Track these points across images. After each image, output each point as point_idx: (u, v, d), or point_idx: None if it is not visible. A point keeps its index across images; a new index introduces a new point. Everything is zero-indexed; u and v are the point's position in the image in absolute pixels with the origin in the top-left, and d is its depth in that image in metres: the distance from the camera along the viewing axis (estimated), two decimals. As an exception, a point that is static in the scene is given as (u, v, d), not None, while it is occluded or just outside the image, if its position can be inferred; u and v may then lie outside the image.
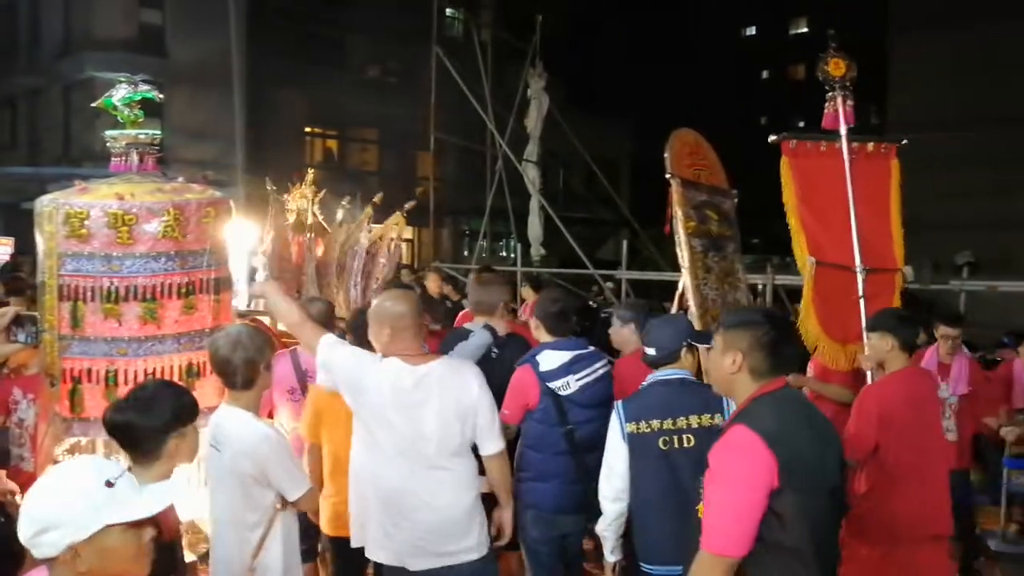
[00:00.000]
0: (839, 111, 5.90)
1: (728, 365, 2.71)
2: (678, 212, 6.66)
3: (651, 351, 3.70)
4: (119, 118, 4.40)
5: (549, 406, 4.02)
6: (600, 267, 14.44)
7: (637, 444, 3.54)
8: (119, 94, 4.39)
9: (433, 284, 9.18)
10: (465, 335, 4.50)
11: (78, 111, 21.69)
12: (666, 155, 6.79)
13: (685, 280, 6.67)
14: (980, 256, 16.73)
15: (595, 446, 3.90)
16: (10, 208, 17.85)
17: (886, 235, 6.01)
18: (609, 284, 13.25)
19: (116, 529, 1.96)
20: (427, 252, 22.20)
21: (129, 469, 2.27)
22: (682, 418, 3.54)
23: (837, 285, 5.62)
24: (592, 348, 4.34)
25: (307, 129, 26.81)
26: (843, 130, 5.85)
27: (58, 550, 1.93)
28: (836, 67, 5.93)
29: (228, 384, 3.37)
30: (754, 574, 2.55)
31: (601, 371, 4.20)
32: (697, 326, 6.02)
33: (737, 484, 2.52)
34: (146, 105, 4.49)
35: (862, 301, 5.41)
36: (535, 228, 15.47)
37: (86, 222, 4.05)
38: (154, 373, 4.02)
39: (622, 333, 5.15)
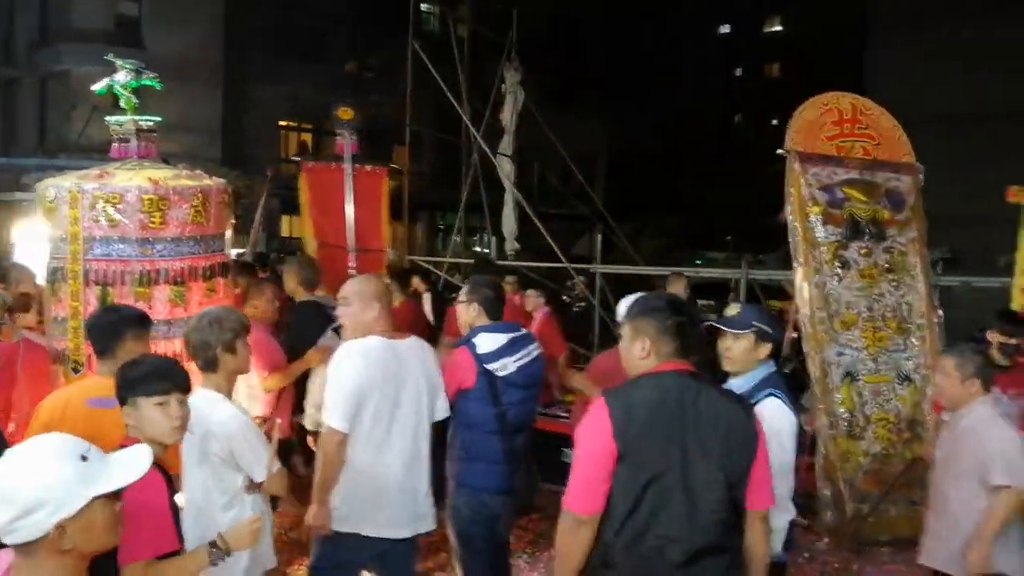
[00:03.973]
0: (347, 144, 8.62)
1: (638, 351, 2.83)
2: (792, 194, 6.21)
3: None
4: (122, 103, 4.46)
5: (485, 386, 4.14)
6: (575, 262, 14.55)
7: None
8: (121, 78, 4.45)
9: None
10: None
11: (54, 102, 21.54)
12: (789, 126, 6.34)
13: (797, 277, 6.22)
14: (958, 252, 16.96)
15: (522, 427, 4.20)
16: (-19, 198, 17.68)
17: (377, 227, 8.75)
18: (583, 278, 13.36)
19: (99, 502, 1.99)
20: (402, 246, 22.21)
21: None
22: None
23: (336, 260, 8.05)
24: (525, 331, 4.49)
25: (282, 122, 26.75)
26: (347, 156, 8.59)
27: (43, 531, 1.92)
28: (345, 113, 8.61)
29: (196, 366, 3.45)
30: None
31: (535, 353, 4.35)
32: (807, 332, 6.09)
33: (582, 446, 2.73)
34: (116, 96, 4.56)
35: (352, 271, 7.64)
36: (510, 222, 15.52)
37: (119, 206, 4.11)
38: (181, 355, 4.11)
39: None
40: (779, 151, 6.11)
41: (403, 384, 3.79)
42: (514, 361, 4.22)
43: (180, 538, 2.74)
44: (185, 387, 2.86)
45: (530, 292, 8.15)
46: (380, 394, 3.71)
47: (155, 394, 2.75)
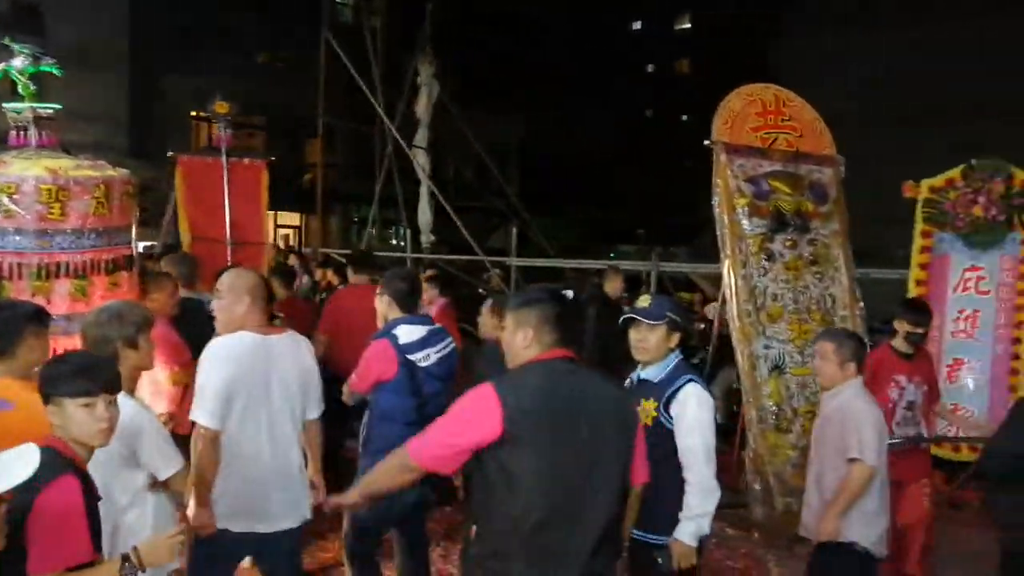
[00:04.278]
0: (222, 136, 8.43)
1: (521, 341, 2.88)
2: (719, 185, 6.12)
3: None
4: (20, 90, 4.32)
5: (405, 377, 4.18)
6: (491, 255, 14.62)
7: None
8: (18, 64, 4.31)
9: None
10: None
11: (-53, 88, 20.64)
12: (715, 117, 6.23)
13: (724, 270, 6.12)
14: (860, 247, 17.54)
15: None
16: None
17: (256, 221, 8.65)
18: (498, 271, 13.45)
19: None
20: (315, 239, 21.98)
21: None
22: None
23: (214, 253, 7.82)
24: (439, 325, 4.55)
25: (193, 113, 26.13)
26: (223, 149, 8.36)
27: None
28: (221, 107, 8.46)
29: None
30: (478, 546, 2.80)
31: (451, 346, 4.42)
32: (735, 326, 6.03)
33: (458, 416, 2.77)
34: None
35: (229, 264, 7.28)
36: (425, 215, 15.53)
37: (15, 196, 3.96)
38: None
39: None
40: (706, 142, 6.04)
41: (272, 380, 3.72)
42: (435, 353, 4.28)
43: (98, 547, 2.60)
44: (113, 387, 2.69)
45: (425, 284, 8.08)
46: (248, 390, 3.63)
47: (80, 395, 2.59)
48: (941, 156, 6.30)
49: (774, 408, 6.10)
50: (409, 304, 4.39)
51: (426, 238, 15.68)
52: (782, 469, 5.99)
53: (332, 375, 4.95)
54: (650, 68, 46.71)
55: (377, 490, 3.00)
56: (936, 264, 7.13)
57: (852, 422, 4.09)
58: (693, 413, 3.58)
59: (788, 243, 6.24)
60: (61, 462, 2.51)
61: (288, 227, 28.13)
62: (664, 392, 3.63)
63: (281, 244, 23.66)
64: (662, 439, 3.60)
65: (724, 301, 6.26)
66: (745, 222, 6.07)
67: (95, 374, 2.65)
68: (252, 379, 3.66)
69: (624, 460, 2.89)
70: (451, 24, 22.12)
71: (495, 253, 15.36)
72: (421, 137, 15.75)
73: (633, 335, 3.74)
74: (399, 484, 2.89)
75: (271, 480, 3.73)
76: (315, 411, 3.97)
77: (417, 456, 2.79)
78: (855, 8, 25.04)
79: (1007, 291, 6.97)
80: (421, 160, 15.51)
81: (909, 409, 5.21)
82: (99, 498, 2.66)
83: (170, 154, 8.52)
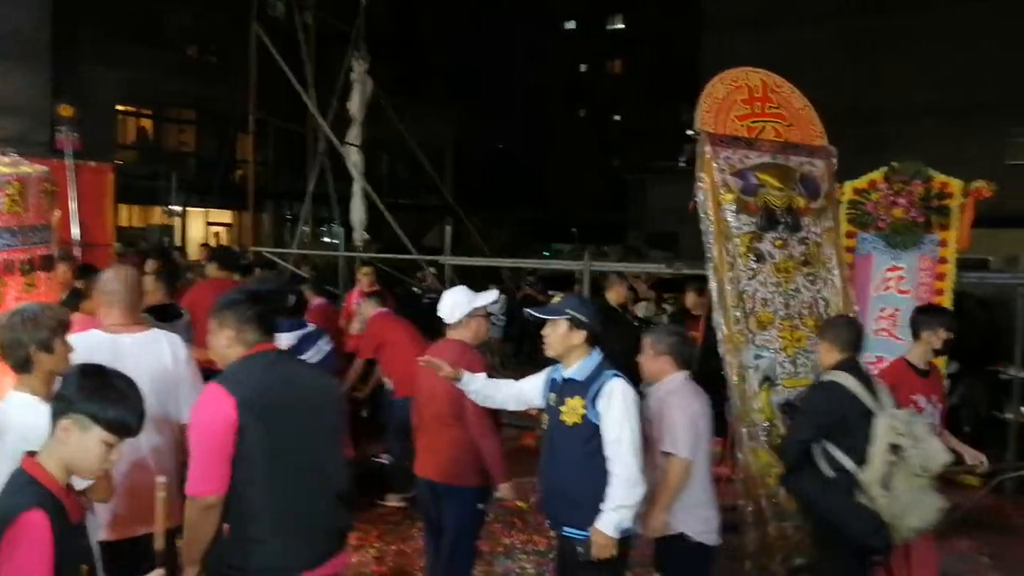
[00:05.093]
0: (67, 140, 8.83)
1: (224, 342, 3.04)
2: (704, 180, 5.53)
3: None
4: None
5: None
6: (426, 253, 14.61)
7: None
8: None
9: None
10: None
11: None
12: (698, 105, 5.71)
13: (710, 273, 5.56)
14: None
15: None
16: None
17: (102, 223, 9.08)
18: (432, 270, 13.44)
19: None
20: (247, 237, 21.67)
21: None
22: None
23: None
24: (315, 327, 4.50)
25: (119, 107, 25.55)
26: (68, 153, 8.72)
27: None
28: (65, 111, 9.06)
29: (9, 366, 3.21)
30: (231, 522, 2.92)
31: (327, 348, 4.40)
32: (723, 334, 5.43)
33: (203, 430, 2.88)
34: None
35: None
36: (358, 213, 15.42)
37: None
38: None
39: None
40: (689, 132, 5.59)
41: None
42: (306, 359, 4.23)
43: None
44: None
45: (303, 285, 8.00)
46: None
47: (116, 431, 2.38)
48: (851, 157, 6.31)
49: (766, 424, 5.50)
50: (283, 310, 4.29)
51: (359, 236, 15.58)
52: (775, 491, 5.38)
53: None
54: (583, 68, 47.08)
55: (200, 548, 2.91)
56: (860, 263, 7.32)
57: (667, 417, 4.12)
58: (619, 407, 3.66)
59: (778, 242, 5.70)
60: (32, 492, 2.31)
61: (219, 225, 27.71)
62: (589, 389, 3.71)
63: (212, 242, 23.29)
64: (591, 436, 3.69)
65: (711, 308, 5.70)
66: (732, 219, 5.54)
67: (140, 418, 2.44)
68: None
69: (338, 434, 3.21)
70: (385, 21, 22.03)
71: (430, 252, 15.34)
72: (354, 135, 15.64)
73: (543, 331, 3.86)
74: (212, 526, 2.89)
75: (124, 485, 3.41)
76: (181, 415, 3.58)
77: (201, 491, 2.86)
78: (781, 7, 25.56)
79: (925, 290, 7.20)
80: (354, 158, 15.40)
81: None
82: (72, 524, 2.39)
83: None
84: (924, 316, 4.82)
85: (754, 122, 5.85)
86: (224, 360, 3.05)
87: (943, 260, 7.35)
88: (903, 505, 4.02)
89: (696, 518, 4.16)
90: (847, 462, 4.10)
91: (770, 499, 5.36)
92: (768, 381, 5.54)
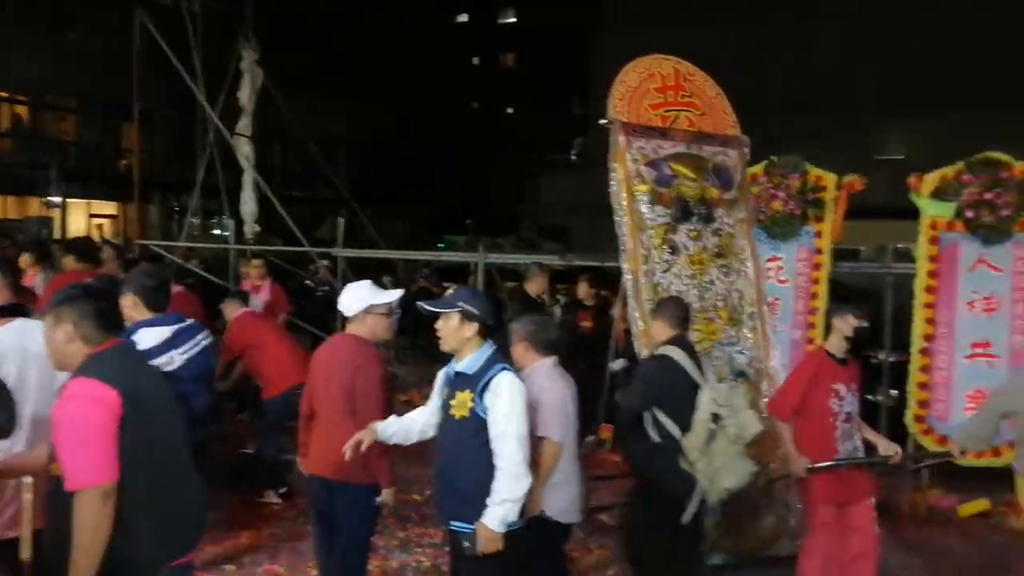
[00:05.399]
0: None
1: (62, 337, 3.02)
2: (617, 170, 5.47)
3: None
4: None
5: None
6: (319, 246, 14.44)
7: None
8: None
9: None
10: None
11: None
12: (611, 93, 5.60)
13: (624, 266, 5.50)
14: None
15: (196, 422, 3.87)
16: None
17: None
18: (326, 262, 13.31)
19: None
20: (133, 229, 21.01)
21: None
22: None
23: None
24: (192, 320, 4.33)
25: (-9, 93, 24.41)
26: None
27: None
28: None
29: None
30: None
31: (205, 342, 4.23)
32: (638, 328, 5.39)
33: (89, 418, 2.84)
34: None
35: None
36: (249, 205, 15.13)
37: None
38: None
39: None
40: (602, 121, 5.53)
41: None
42: (181, 354, 4.07)
43: None
44: None
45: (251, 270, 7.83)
46: None
47: None
48: (755, 150, 6.55)
49: None
50: (156, 302, 4.14)
51: (250, 229, 15.30)
52: None
53: None
54: (476, 60, 47.15)
55: (95, 553, 2.77)
56: (743, 254, 7.63)
57: (537, 402, 4.18)
58: (506, 401, 3.66)
59: (692, 234, 5.61)
60: None
61: (103, 216, 26.75)
62: (478, 383, 3.70)
63: (95, 235, 22.48)
64: (478, 430, 3.69)
65: (625, 301, 5.60)
66: (647, 211, 5.46)
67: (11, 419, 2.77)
68: None
69: (185, 426, 3.27)
70: (277, 10, 21.64)
71: (323, 245, 15.18)
72: (244, 125, 15.34)
73: (437, 325, 3.85)
74: (109, 519, 2.79)
75: None
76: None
77: (96, 479, 2.78)
78: (675, 4, 26.17)
79: (803, 280, 7.56)
80: (245, 149, 15.10)
81: (847, 421, 4.75)
82: None
83: None
84: (834, 304, 4.92)
85: (667, 111, 5.82)
86: (62, 356, 3.01)
87: (819, 251, 7.74)
88: (718, 468, 4.37)
89: (557, 497, 4.27)
90: (673, 429, 4.43)
91: None
92: None
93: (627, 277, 5.44)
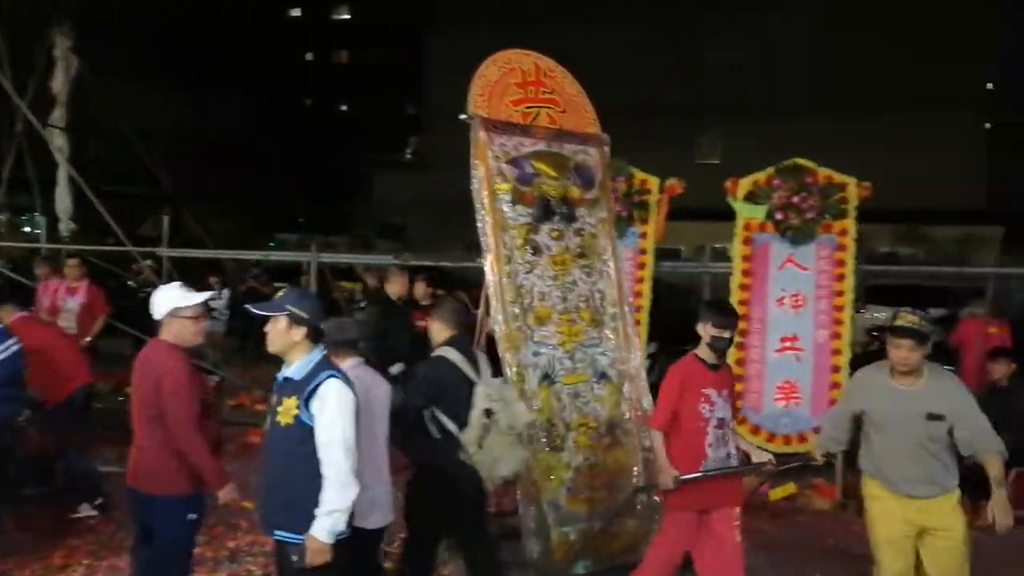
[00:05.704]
0: None
1: None
2: (478, 167, 5.32)
3: None
4: None
5: None
6: (143, 244, 13.83)
7: None
8: None
9: None
10: None
11: None
12: (471, 88, 5.42)
13: (487, 266, 5.34)
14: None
15: (2, 428, 3.83)
16: None
17: None
18: (150, 262, 12.77)
19: None
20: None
21: None
22: None
23: None
24: (2, 326, 4.22)
25: None
26: None
27: None
28: None
29: None
30: None
31: (14, 348, 4.10)
32: (501, 331, 5.29)
33: None
34: None
35: None
36: (63, 201, 14.34)
37: None
38: None
39: None
40: (462, 116, 5.31)
41: None
42: None
43: None
44: None
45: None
46: None
47: None
48: None
49: (545, 424, 5.35)
50: None
51: (65, 226, 14.50)
52: (557, 495, 5.31)
53: None
54: (309, 56, 46.33)
55: None
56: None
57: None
58: (333, 408, 3.56)
59: (554, 234, 5.56)
60: None
61: None
62: (305, 389, 3.58)
63: None
64: (304, 438, 3.58)
65: (488, 302, 5.50)
66: (508, 210, 5.38)
67: None
68: None
69: None
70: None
71: (146, 243, 14.55)
72: (58, 116, 14.51)
73: (265, 328, 3.72)
74: None
75: None
76: None
77: None
78: (510, 4, 26.53)
79: (628, 279, 7.84)
80: (58, 141, 14.28)
81: (720, 427, 4.60)
82: None
83: None
84: (700, 311, 4.76)
85: (528, 107, 5.68)
86: None
87: (643, 251, 8.08)
88: (495, 459, 4.55)
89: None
90: (451, 425, 4.60)
91: (552, 504, 5.25)
92: (548, 379, 5.46)
93: (490, 279, 5.33)
